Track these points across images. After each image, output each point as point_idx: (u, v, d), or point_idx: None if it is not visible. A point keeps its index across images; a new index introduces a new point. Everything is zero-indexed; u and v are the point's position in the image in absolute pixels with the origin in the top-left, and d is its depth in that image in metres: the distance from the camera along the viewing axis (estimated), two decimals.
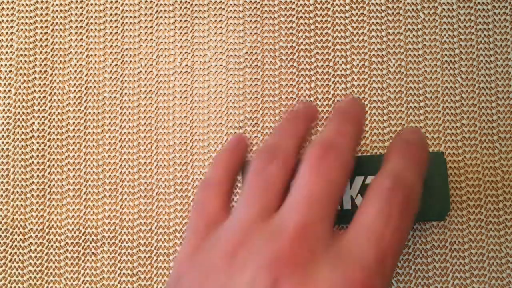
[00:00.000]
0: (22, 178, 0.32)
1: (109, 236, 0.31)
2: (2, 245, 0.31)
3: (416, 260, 0.30)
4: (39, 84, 0.32)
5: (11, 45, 0.33)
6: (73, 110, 0.32)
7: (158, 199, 0.31)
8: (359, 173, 0.27)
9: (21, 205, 0.32)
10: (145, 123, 0.32)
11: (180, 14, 0.33)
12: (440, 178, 0.27)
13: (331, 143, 0.21)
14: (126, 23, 0.33)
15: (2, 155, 0.32)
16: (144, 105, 0.32)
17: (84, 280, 0.31)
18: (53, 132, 0.32)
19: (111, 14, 0.33)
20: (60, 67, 0.33)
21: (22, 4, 0.33)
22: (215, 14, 0.33)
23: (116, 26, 0.33)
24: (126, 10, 0.33)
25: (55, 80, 0.32)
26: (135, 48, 0.33)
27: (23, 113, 0.32)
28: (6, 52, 0.33)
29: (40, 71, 0.33)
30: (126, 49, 0.33)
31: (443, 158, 0.28)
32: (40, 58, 0.33)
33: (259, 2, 0.33)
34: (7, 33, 0.33)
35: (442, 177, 0.27)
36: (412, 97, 0.32)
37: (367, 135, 0.32)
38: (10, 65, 0.33)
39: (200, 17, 0.33)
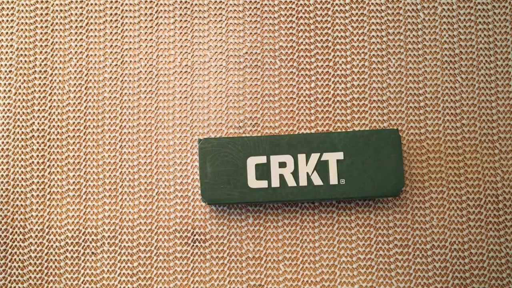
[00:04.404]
0: (22, 178, 0.32)
1: (109, 236, 0.31)
2: (2, 245, 0.31)
3: (416, 260, 0.30)
4: (39, 84, 0.32)
5: (11, 45, 0.33)
6: (73, 110, 0.32)
7: (158, 199, 0.31)
8: (316, 150, 0.29)
9: (21, 205, 0.32)
10: (145, 123, 0.32)
11: (180, 14, 0.33)
12: (395, 155, 0.29)
13: None
14: (126, 23, 0.33)
15: (2, 155, 0.32)
16: (144, 105, 0.32)
17: (84, 280, 0.31)
18: (53, 132, 0.32)
19: (111, 14, 0.33)
20: (60, 67, 0.33)
21: (22, 4, 0.33)
22: (215, 14, 0.33)
23: (116, 26, 0.33)
24: (126, 10, 0.33)
25: (55, 80, 0.33)
26: (135, 48, 0.33)
27: (23, 113, 0.32)
28: (6, 52, 0.33)
29: (40, 71, 0.33)
30: (126, 49, 0.33)
31: (398, 135, 0.29)
32: (40, 58, 0.33)
33: (259, 2, 0.33)
34: (7, 33, 0.33)
35: (397, 154, 0.29)
36: (412, 97, 0.32)
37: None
38: (10, 65, 0.33)
39: (200, 17, 0.33)
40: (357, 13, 0.33)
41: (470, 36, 0.32)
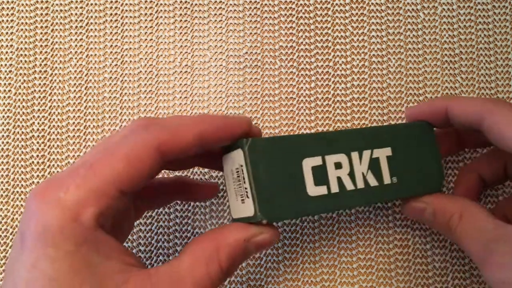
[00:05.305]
0: (22, 178, 0.32)
1: None
2: (2, 245, 0.31)
3: (416, 260, 0.30)
4: (39, 84, 0.32)
5: (11, 45, 0.33)
6: (73, 110, 0.32)
7: None
8: (366, 146, 0.25)
9: (21, 205, 0.32)
10: None
11: (180, 14, 0.33)
12: (429, 148, 0.26)
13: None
14: (126, 23, 0.33)
15: (2, 155, 0.32)
16: (144, 105, 0.32)
17: None
18: (53, 132, 0.32)
19: (111, 14, 0.33)
20: (60, 67, 0.33)
21: (22, 4, 0.33)
22: (215, 14, 0.33)
23: (116, 26, 0.33)
24: (126, 10, 0.33)
25: (55, 80, 0.33)
26: (135, 48, 0.33)
27: (23, 113, 0.32)
28: (6, 52, 0.33)
29: (40, 71, 0.33)
30: (126, 49, 0.33)
31: (430, 127, 0.27)
32: (40, 58, 0.33)
33: (259, 2, 0.33)
34: (7, 33, 0.33)
35: (432, 146, 0.26)
36: (412, 97, 0.32)
37: None
38: (10, 65, 0.33)
39: (200, 17, 0.33)
40: (357, 13, 0.33)
41: (470, 36, 0.32)
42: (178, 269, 0.20)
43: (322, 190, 0.24)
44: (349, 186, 0.24)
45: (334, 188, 0.24)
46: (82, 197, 0.19)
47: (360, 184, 0.25)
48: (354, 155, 0.25)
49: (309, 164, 0.24)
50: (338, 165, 0.24)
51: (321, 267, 0.30)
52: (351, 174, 0.24)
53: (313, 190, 0.24)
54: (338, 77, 0.32)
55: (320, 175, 0.24)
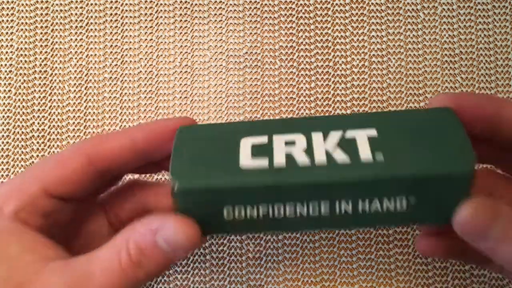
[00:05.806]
0: None
1: None
2: None
3: (416, 260, 0.30)
4: (39, 84, 0.32)
5: (11, 45, 0.33)
6: (73, 110, 0.32)
7: None
8: (336, 128, 0.20)
9: None
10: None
11: (180, 14, 0.33)
12: (448, 127, 0.20)
13: None
14: (126, 23, 0.33)
15: (2, 155, 0.32)
16: (144, 105, 0.32)
17: None
18: (53, 132, 0.32)
19: (111, 14, 0.33)
20: (60, 67, 0.33)
21: (22, 4, 0.33)
22: (215, 14, 0.33)
23: (116, 26, 0.33)
24: (126, 10, 0.33)
25: (55, 80, 0.33)
26: (135, 48, 0.33)
27: (23, 113, 0.32)
28: (6, 52, 0.33)
29: (40, 71, 0.33)
30: (126, 49, 0.33)
31: (451, 111, 0.21)
32: (40, 58, 0.33)
33: (259, 2, 0.33)
34: (7, 33, 0.33)
35: (452, 125, 0.20)
36: (412, 97, 0.32)
37: None
38: (10, 65, 0.33)
39: (200, 17, 0.33)
40: (357, 13, 0.33)
41: (470, 36, 0.32)
42: (94, 257, 0.20)
43: (260, 162, 0.20)
44: (302, 161, 0.19)
45: (279, 162, 0.19)
46: (8, 191, 0.22)
47: (321, 161, 0.19)
48: (316, 135, 0.20)
49: (249, 141, 0.20)
50: (290, 143, 0.20)
51: (321, 267, 0.30)
52: (308, 151, 0.20)
53: (248, 162, 0.20)
54: (338, 77, 0.32)
55: (262, 149, 0.20)
